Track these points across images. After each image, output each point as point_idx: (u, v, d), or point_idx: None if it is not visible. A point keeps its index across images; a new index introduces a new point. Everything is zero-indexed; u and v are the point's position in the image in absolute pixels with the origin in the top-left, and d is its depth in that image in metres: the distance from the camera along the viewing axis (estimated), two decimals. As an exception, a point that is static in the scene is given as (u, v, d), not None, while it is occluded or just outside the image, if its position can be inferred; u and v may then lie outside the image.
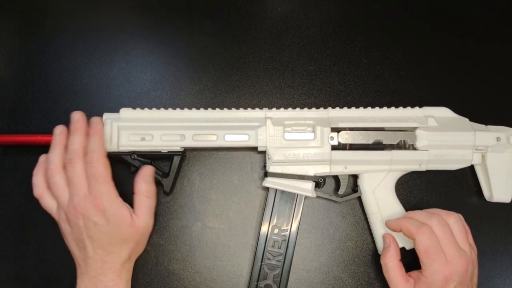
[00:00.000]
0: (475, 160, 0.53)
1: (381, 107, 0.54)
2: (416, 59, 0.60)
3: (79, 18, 0.60)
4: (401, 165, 0.53)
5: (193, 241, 0.56)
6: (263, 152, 0.55)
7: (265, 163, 0.53)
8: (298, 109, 0.54)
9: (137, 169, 0.52)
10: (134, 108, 0.53)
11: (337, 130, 0.52)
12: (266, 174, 0.53)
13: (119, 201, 0.48)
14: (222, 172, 0.57)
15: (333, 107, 0.54)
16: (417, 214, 0.49)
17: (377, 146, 0.53)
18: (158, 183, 0.53)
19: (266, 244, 0.52)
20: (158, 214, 0.55)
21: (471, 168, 0.55)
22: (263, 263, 0.52)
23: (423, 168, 0.53)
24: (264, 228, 0.53)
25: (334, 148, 0.52)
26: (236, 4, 0.61)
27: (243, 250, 0.55)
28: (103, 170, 0.48)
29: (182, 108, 0.54)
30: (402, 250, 0.51)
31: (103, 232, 0.47)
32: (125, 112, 0.53)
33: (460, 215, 0.49)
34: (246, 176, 0.57)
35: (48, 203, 0.49)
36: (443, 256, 0.45)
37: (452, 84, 0.60)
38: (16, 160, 0.56)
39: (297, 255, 0.55)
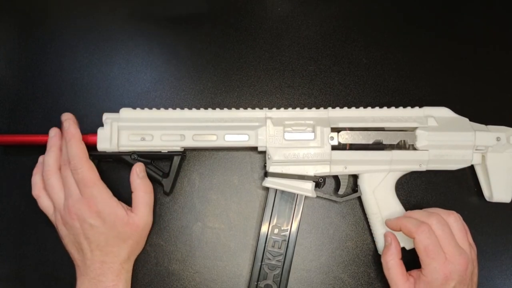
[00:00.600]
0: (475, 160, 0.53)
1: (381, 107, 0.54)
2: (416, 59, 0.60)
3: (79, 18, 0.60)
4: (401, 165, 0.53)
5: (193, 241, 0.56)
6: (263, 152, 0.55)
7: (265, 163, 0.53)
8: (298, 109, 0.54)
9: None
10: (134, 108, 0.53)
11: (337, 130, 0.52)
12: (266, 174, 0.53)
13: (113, 201, 0.48)
14: (222, 172, 0.57)
15: (333, 107, 0.54)
16: (417, 213, 0.49)
17: (377, 146, 0.53)
18: (158, 183, 0.53)
19: (266, 244, 0.52)
20: (158, 214, 0.56)
21: (471, 168, 0.55)
22: (263, 263, 0.52)
23: (423, 168, 0.53)
24: (264, 228, 0.53)
25: (334, 148, 0.52)
26: (236, 4, 0.61)
27: (243, 250, 0.55)
28: (88, 174, 0.47)
29: (182, 108, 0.54)
30: (402, 250, 0.50)
31: (100, 233, 0.47)
32: (125, 112, 0.53)
33: (459, 215, 0.49)
34: (246, 176, 0.57)
35: (45, 203, 0.50)
36: (442, 254, 0.45)
37: (452, 84, 0.60)
38: (16, 160, 0.56)
39: (297, 255, 0.55)
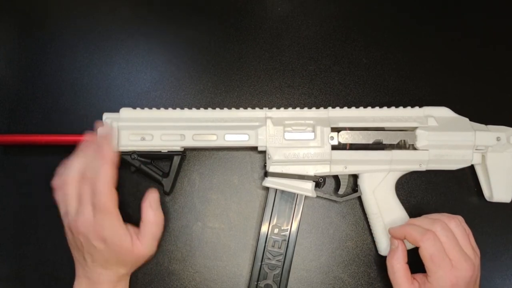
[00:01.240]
0: (475, 160, 0.53)
1: (381, 107, 0.54)
2: (416, 59, 0.60)
3: (79, 18, 0.60)
4: (401, 165, 0.53)
5: (193, 241, 0.56)
6: (263, 152, 0.55)
7: (265, 163, 0.53)
8: (298, 109, 0.54)
9: (137, 169, 0.52)
10: (134, 108, 0.53)
11: (337, 130, 0.52)
12: (266, 174, 0.53)
13: (121, 230, 0.47)
14: (222, 172, 0.57)
15: (333, 107, 0.54)
16: (420, 220, 0.49)
17: (377, 146, 0.53)
18: (158, 183, 0.53)
19: (266, 244, 0.52)
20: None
21: (471, 168, 0.55)
22: (263, 263, 0.52)
23: (423, 168, 0.53)
24: (264, 228, 0.53)
25: (334, 148, 0.52)
26: (236, 4, 0.61)
27: (243, 250, 0.55)
28: (107, 202, 0.45)
29: (182, 108, 0.54)
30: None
31: (102, 254, 0.47)
32: (125, 112, 0.53)
33: (460, 218, 0.49)
34: (246, 176, 0.57)
35: (59, 197, 0.48)
36: (448, 261, 0.45)
37: (452, 84, 0.60)
38: (16, 160, 0.56)
39: (297, 255, 0.55)
